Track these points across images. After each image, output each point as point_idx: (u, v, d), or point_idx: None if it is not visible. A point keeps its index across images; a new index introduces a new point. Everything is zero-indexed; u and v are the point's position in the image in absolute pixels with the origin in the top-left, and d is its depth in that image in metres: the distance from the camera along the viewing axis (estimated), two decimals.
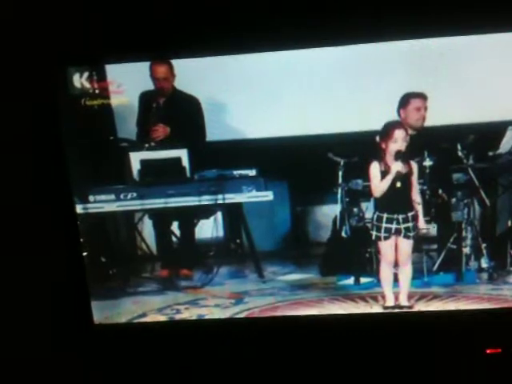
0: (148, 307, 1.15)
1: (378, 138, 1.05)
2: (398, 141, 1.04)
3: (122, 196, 1.14)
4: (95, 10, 1.00)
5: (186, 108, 1.11)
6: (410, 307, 1.09)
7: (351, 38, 0.99)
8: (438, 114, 1.06)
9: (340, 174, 1.13)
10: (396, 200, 1.07)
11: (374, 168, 1.07)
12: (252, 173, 1.12)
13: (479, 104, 1.05)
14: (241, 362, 1.09)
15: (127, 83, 1.08)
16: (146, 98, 1.11)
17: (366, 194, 1.11)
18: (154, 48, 1.02)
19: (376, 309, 1.10)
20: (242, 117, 1.12)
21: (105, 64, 1.07)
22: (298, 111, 1.08)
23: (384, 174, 1.06)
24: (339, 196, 1.13)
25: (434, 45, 1.00)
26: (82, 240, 1.11)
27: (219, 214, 1.15)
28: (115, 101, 1.09)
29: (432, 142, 1.09)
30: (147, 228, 1.20)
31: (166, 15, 0.99)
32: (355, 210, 1.13)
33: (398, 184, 1.06)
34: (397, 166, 1.05)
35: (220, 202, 1.13)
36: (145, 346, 1.11)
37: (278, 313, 1.12)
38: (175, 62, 1.08)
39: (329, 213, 1.14)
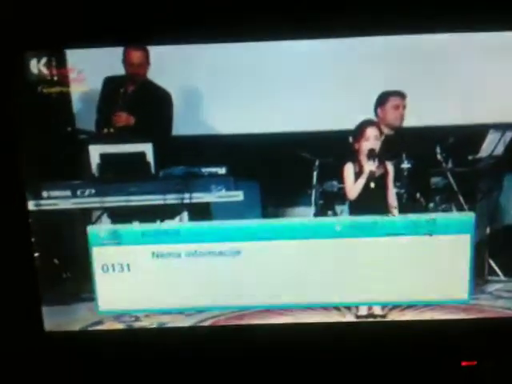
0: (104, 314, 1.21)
1: (351, 139, 1.16)
2: (371, 139, 1.15)
3: (78, 192, 1.19)
4: None
5: (156, 100, 1.18)
6: (383, 316, 1.20)
7: (327, 33, 1.08)
8: (417, 115, 1.16)
9: (315, 174, 1.21)
10: (371, 203, 1.18)
11: (348, 169, 1.18)
12: (222, 171, 1.19)
13: (460, 105, 1.15)
14: (204, 373, 1.18)
15: (88, 70, 1.14)
16: (112, 83, 1.17)
17: (341, 196, 1.20)
18: (122, 33, 1.08)
19: (349, 318, 1.20)
20: (213, 111, 1.19)
21: (65, 49, 1.12)
22: (271, 107, 1.16)
23: (358, 175, 1.18)
24: (313, 198, 1.22)
25: (413, 42, 1.10)
26: (33, 239, 1.17)
27: (185, 214, 1.21)
28: (75, 89, 1.15)
29: (410, 144, 1.20)
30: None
31: None
32: (329, 212, 1.22)
33: (372, 185, 1.17)
34: (370, 166, 1.16)
35: (187, 201, 1.19)
36: (100, 356, 1.19)
37: (245, 321, 1.21)
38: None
39: (302, 215, 1.22)
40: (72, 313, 1.21)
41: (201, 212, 1.20)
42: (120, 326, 1.21)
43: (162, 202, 1.20)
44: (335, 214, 1.23)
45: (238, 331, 1.19)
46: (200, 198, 1.20)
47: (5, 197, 1.14)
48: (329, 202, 1.23)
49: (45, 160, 1.15)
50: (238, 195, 1.20)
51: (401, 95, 1.15)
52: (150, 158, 1.19)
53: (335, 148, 1.18)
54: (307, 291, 1.20)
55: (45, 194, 1.18)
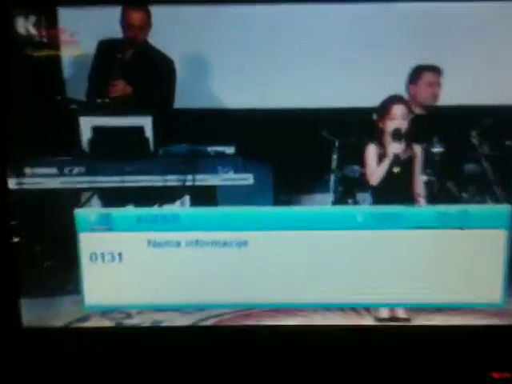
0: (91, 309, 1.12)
1: (375, 116, 1.09)
2: (397, 118, 1.08)
3: (66, 170, 1.10)
4: None
5: (156, 68, 1.10)
6: (407, 320, 1.11)
7: None
8: (452, 93, 1.09)
9: (334, 157, 1.13)
10: (395, 190, 1.10)
11: (371, 150, 1.11)
12: (230, 150, 1.11)
13: (499, 84, 1.08)
14: (202, 380, 1.08)
15: (82, 32, 1.05)
16: (107, 47, 1.09)
17: (364, 182, 1.12)
18: None
19: (367, 320, 1.12)
20: (221, 82, 1.11)
21: (58, 7, 1.04)
22: (287, 80, 1.08)
23: (381, 157, 1.11)
24: (332, 184, 1.14)
25: (453, 11, 1.03)
26: (13, 222, 1.08)
27: (187, 199, 1.12)
28: (66, 53, 1.07)
29: (443, 125, 1.12)
30: None
31: None
32: (350, 201, 1.15)
33: (397, 170, 1.10)
34: (394, 148, 1.10)
35: (189, 183, 1.11)
36: (84, 357, 1.09)
37: (251, 321, 1.12)
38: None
39: (318, 203, 1.14)
40: (54, 306, 1.12)
41: (204, 196, 1.11)
42: (108, 323, 1.12)
43: (160, 184, 1.11)
44: (356, 202, 1.14)
45: (244, 332, 1.10)
46: (204, 180, 1.11)
47: None
48: (349, 189, 1.14)
49: (29, 132, 1.06)
50: (248, 178, 1.11)
51: (436, 71, 1.07)
52: (148, 133, 1.10)
53: (357, 127, 1.11)
54: (322, 289, 1.10)
55: (28, 170, 1.09)
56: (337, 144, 1.13)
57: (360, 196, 1.13)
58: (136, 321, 1.12)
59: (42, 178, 1.09)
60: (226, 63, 1.09)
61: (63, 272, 1.11)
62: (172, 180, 1.11)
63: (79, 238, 1.08)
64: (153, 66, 1.10)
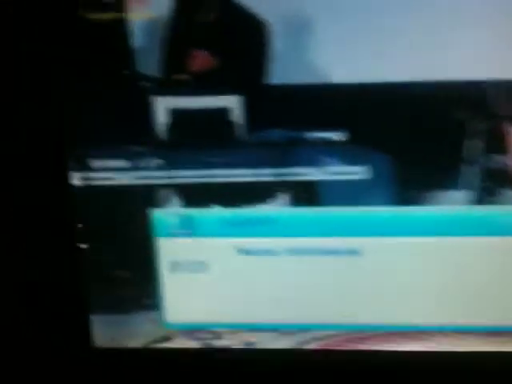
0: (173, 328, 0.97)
1: None
2: None
3: (141, 163, 0.91)
4: None
5: (248, 34, 0.87)
6: None
7: None
8: None
9: (472, 144, 0.90)
10: None
11: None
12: (337, 137, 0.89)
13: None
14: None
15: None
16: (185, 8, 0.87)
17: (510, 177, 0.88)
18: None
19: None
20: (330, 50, 0.87)
21: None
22: (414, 47, 0.84)
23: None
24: (469, 178, 0.91)
25: None
26: (79, 226, 0.92)
27: (284, 197, 0.92)
28: (135, 16, 0.86)
29: None
30: None
31: None
32: (493, 199, 0.90)
33: None
34: None
35: (286, 178, 0.91)
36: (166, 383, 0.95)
37: (365, 346, 0.93)
38: None
39: (451, 203, 0.90)
40: (130, 324, 0.96)
41: (307, 194, 0.91)
42: (194, 344, 0.96)
43: (252, 179, 0.91)
44: (502, 202, 0.91)
45: (355, 359, 0.92)
46: (306, 174, 0.91)
47: (40, 168, 0.89)
48: (491, 185, 0.90)
49: (93, 117, 0.88)
50: (361, 172, 0.90)
51: None
52: (237, 116, 0.90)
53: (504, 107, 0.85)
54: (453, 308, 0.89)
55: (94, 163, 0.91)
56: (477, 127, 0.90)
57: (505, 194, 0.91)
58: (226, 342, 0.95)
59: (111, 173, 0.91)
60: (334, 27, 0.84)
61: (139, 284, 0.94)
62: (266, 174, 0.90)
63: (158, 244, 0.91)
64: (243, 31, 0.88)
